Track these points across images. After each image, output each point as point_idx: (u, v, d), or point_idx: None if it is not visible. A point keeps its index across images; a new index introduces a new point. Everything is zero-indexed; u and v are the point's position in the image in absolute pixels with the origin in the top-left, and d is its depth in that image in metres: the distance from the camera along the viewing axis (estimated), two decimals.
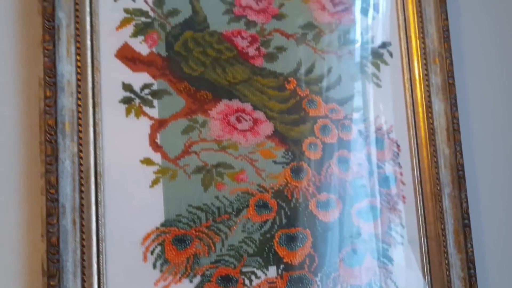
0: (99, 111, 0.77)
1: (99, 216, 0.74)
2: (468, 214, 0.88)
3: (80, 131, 0.74)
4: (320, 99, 0.87)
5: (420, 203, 0.89)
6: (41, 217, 0.71)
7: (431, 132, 0.89)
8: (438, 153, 0.89)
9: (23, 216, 0.74)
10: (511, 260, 0.95)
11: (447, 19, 0.91)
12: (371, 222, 0.86)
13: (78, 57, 0.75)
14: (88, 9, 0.77)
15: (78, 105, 0.74)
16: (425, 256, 0.87)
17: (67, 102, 0.74)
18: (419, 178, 0.89)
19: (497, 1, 1.02)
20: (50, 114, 0.72)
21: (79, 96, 0.75)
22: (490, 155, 0.97)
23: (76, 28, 0.76)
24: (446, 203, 0.88)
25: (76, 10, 0.76)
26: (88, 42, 0.77)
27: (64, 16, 0.75)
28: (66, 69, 0.74)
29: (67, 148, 0.73)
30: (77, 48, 0.75)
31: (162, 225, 0.77)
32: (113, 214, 0.75)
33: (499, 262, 0.94)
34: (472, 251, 0.87)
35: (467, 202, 0.88)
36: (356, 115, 0.89)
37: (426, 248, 0.88)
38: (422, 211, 0.89)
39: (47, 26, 0.73)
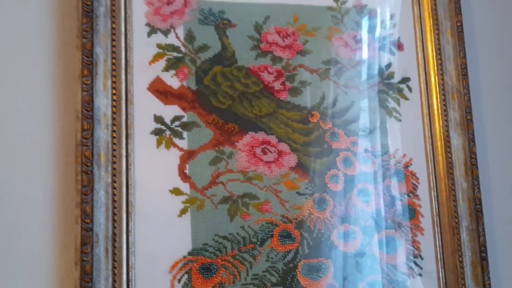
0: (131, 142, 0.80)
1: (129, 244, 0.77)
2: (485, 247, 0.90)
3: (114, 162, 0.77)
4: (342, 132, 0.90)
5: (438, 235, 0.91)
6: (75, 245, 0.74)
7: (450, 166, 0.92)
8: (456, 187, 0.91)
9: (56, 244, 0.77)
10: None
11: (465, 57, 0.94)
12: (391, 253, 0.88)
13: (113, 91, 0.79)
14: (123, 44, 0.81)
15: (113, 137, 0.78)
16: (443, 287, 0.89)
17: (102, 134, 0.77)
18: (437, 210, 0.92)
19: None
20: (87, 146, 0.75)
21: (114, 128, 0.78)
22: (507, 189, 0.99)
23: (113, 63, 0.79)
24: (464, 236, 0.90)
25: (113, 46, 0.80)
26: (123, 76, 0.80)
27: (101, 52, 0.78)
28: (103, 102, 0.77)
29: (102, 179, 0.76)
30: (113, 82, 0.79)
31: (189, 253, 0.80)
32: (142, 242, 0.78)
33: None
34: (490, 284, 0.89)
35: (484, 235, 0.90)
36: (376, 148, 0.91)
37: (444, 280, 0.89)
38: (440, 243, 0.91)
39: (86, 62, 0.77)
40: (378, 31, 0.95)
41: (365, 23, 0.95)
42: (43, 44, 0.81)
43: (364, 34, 0.95)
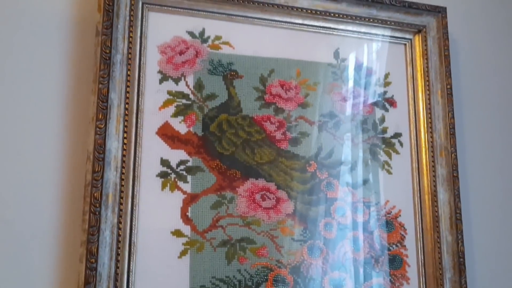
0: (138, 184, 0.83)
1: (130, 284, 0.79)
2: None
3: (121, 203, 0.80)
4: (337, 182, 0.95)
5: (423, 285, 0.95)
6: (78, 283, 0.76)
7: (436, 219, 0.97)
8: (441, 239, 0.96)
9: (58, 282, 0.79)
10: None
11: (453, 117, 1.01)
12: None
13: (125, 135, 0.82)
14: (136, 90, 0.85)
15: (122, 179, 0.81)
16: None
17: (112, 176, 0.80)
18: (423, 261, 0.97)
19: (498, 105, 1.14)
20: (97, 187, 0.78)
21: (123, 170, 0.81)
22: (489, 245, 1.05)
23: (126, 108, 0.83)
24: (447, 287, 0.94)
25: (127, 91, 0.84)
26: (134, 120, 0.84)
27: (115, 97, 0.82)
28: (114, 145, 0.81)
29: (108, 219, 0.79)
30: (125, 126, 0.83)
31: None
32: (142, 282, 0.80)
33: None
34: None
35: (466, 287, 0.95)
36: (368, 199, 0.97)
37: None
38: None
39: (101, 106, 0.80)
40: (373, 88, 1.02)
41: (362, 80, 1.02)
42: (58, 86, 0.85)
43: (360, 90, 1.01)
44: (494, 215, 1.08)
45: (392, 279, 0.95)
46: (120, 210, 0.80)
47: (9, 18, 0.85)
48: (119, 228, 0.79)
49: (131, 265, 0.80)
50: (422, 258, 0.97)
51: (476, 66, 1.13)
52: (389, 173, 0.99)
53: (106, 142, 0.80)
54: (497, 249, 1.06)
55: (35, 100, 0.84)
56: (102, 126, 0.80)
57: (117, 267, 0.78)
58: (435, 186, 0.98)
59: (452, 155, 1.00)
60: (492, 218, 1.07)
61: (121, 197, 0.80)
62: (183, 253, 0.84)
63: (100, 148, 0.79)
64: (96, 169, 0.79)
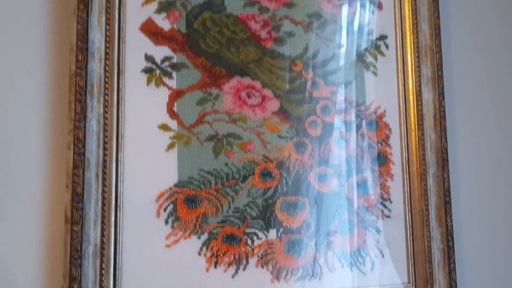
0: (123, 78, 0.84)
1: (119, 173, 0.81)
2: (449, 192, 0.98)
3: (106, 94, 0.81)
4: (323, 82, 0.96)
5: (407, 181, 0.98)
6: (67, 169, 0.78)
7: (420, 118, 0.99)
8: (425, 137, 0.98)
9: (48, 168, 0.81)
10: (485, 233, 1.06)
11: (439, 17, 1.01)
12: (363, 195, 0.95)
13: (107, 27, 0.82)
14: None
15: (106, 71, 0.81)
16: (409, 229, 0.97)
17: (96, 67, 0.81)
18: (407, 158, 0.99)
19: (484, 4, 1.13)
20: (81, 76, 0.79)
21: (107, 62, 0.82)
22: (471, 140, 1.07)
23: (107, 1, 0.83)
24: (430, 182, 0.97)
25: None
26: (116, 15, 0.84)
27: None
28: (97, 37, 0.81)
29: (94, 109, 0.80)
30: (107, 19, 0.82)
31: (175, 185, 0.85)
32: (131, 172, 0.82)
33: (475, 236, 1.04)
34: (452, 226, 0.96)
35: (449, 181, 0.98)
36: (354, 99, 0.98)
37: (410, 222, 0.97)
38: (409, 188, 0.98)
39: None
40: None
41: None
42: None
43: None
44: (479, 112, 1.09)
45: (377, 176, 0.97)
46: (106, 101, 0.81)
47: None
48: (105, 118, 0.81)
49: (119, 155, 0.82)
50: (406, 156, 0.99)
51: None
52: (375, 74, 1.00)
53: (88, 33, 0.80)
54: (479, 144, 1.08)
55: None
56: (84, 16, 0.80)
57: (105, 154, 0.80)
58: (419, 86, 0.99)
59: (437, 55, 1.00)
60: (476, 114, 1.08)
61: (106, 89, 0.81)
62: (170, 146, 0.85)
63: (83, 38, 0.80)
64: (80, 59, 0.79)
